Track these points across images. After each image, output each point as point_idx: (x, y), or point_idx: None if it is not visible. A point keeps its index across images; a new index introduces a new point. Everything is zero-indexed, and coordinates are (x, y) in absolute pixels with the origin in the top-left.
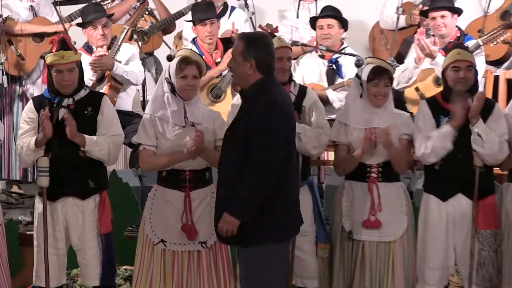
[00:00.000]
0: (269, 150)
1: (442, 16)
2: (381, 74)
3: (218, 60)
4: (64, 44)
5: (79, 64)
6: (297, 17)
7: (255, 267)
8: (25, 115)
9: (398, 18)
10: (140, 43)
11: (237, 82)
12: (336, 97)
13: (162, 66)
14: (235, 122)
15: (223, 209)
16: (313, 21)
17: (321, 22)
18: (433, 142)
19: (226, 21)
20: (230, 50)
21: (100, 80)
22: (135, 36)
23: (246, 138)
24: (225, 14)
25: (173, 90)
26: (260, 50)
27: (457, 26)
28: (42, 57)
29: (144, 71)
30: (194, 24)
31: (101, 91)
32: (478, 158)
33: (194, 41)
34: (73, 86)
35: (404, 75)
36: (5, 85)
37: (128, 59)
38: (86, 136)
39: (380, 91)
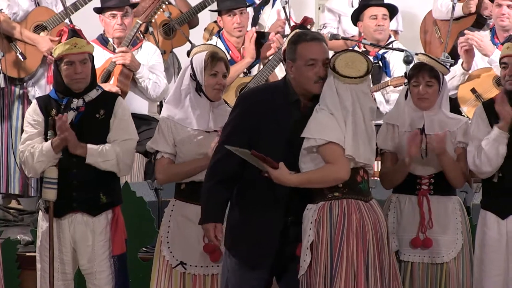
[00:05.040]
0: None
1: (508, 6)
2: (421, 72)
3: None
4: (76, 33)
5: (91, 58)
6: (351, 5)
7: None
8: (30, 117)
9: (453, 6)
10: (157, 38)
11: None
12: (384, 99)
13: (181, 64)
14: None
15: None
16: (358, 12)
17: (375, 11)
18: (484, 150)
19: (270, 10)
20: (266, 45)
21: (106, 80)
22: (150, 29)
23: None
24: (269, 3)
25: (198, 90)
26: None
27: None
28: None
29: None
30: (219, 14)
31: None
32: None
33: (219, 34)
34: (86, 82)
35: (452, 83)
36: (2, 85)
37: (151, 66)
38: (89, 146)
39: (420, 91)
